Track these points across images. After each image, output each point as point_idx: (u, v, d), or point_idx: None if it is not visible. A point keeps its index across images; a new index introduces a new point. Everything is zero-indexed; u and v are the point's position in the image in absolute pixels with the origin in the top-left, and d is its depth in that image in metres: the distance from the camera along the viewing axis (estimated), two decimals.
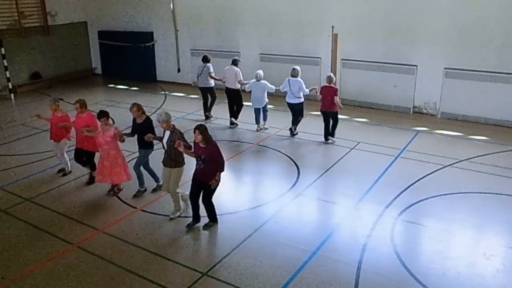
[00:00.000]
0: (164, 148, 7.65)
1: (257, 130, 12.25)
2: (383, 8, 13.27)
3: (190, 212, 7.74)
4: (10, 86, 16.53)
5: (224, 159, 7.25)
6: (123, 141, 8.41)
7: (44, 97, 16.49)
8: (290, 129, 11.79)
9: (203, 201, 7.41)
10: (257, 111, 12.15)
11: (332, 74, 11.23)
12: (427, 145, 10.94)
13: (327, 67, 14.33)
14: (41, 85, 18.04)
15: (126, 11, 18.56)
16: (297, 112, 11.55)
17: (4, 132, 12.71)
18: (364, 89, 13.95)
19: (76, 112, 9.12)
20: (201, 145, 7.00)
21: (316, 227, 7.66)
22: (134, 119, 8.55)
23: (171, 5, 17.21)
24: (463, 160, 9.99)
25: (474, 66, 12.26)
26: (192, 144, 7.37)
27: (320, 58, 14.51)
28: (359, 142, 11.15)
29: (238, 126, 12.62)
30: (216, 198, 8.68)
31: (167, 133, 7.57)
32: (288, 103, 11.58)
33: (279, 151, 10.79)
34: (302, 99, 11.46)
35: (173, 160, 7.59)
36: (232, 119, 12.66)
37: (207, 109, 13.30)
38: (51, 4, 18.22)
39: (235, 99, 12.54)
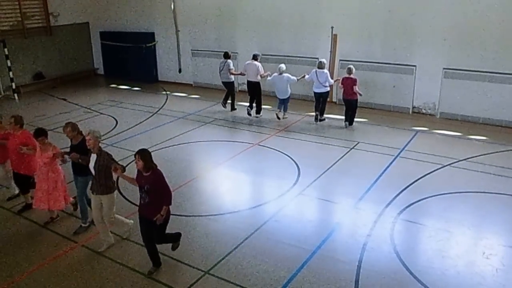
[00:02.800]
0: (91, 174, 6.80)
1: (277, 115, 13.02)
2: (382, 8, 13.32)
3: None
4: (14, 86, 16.60)
5: (171, 189, 6.27)
6: (64, 161, 7.49)
7: (48, 97, 16.59)
8: (316, 116, 12.79)
9: (157, 241, 6.43)
10: (281, 100, 13.02)
11: (352, 66, 12.15)
12: (426, 145, 10.99)
13: (327, 67, 14.39)
14: (45, 85, 18.11)
15: (128, 12, 18.62)
16: (323, 99, 12.65)
17: None
18: (363, 89, 13.94)
19: (11, 130, 7.99)
20: (144, 173, 6.02)
21: (317, 226, 7.72)
22: (71, 141, 7.48)
23: (172, 6, 17.26)
24: (462, 160, 10.05)
25: (473, 66, 12.31)
26: (123, 165, 6.75)
27: (319, 58, 14.52)
28: (358, 142, 11.22)
29: (259, 117, 13.42)
30: (217, 198, 8.78)
31: (94, 156, 6.72)
32: (315, 92, 12.61)
33: (280, 151, 10.84)
34: (328, 88, 12.62)
35: (103, 185, 6.69)
36: (250, 110, 13.44)
37: (227, 99, 14.04)
38: (53, 5, 18.29)
39: (255, 92, 13.32)
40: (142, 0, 18.08)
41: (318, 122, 12.75)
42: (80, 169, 7.26)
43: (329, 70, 14.23)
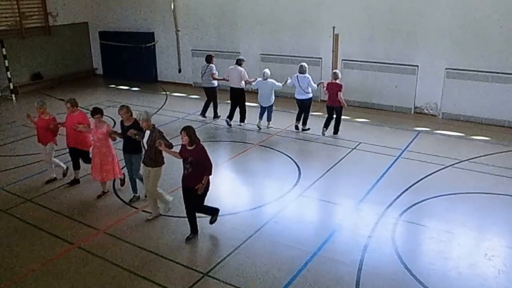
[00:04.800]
0: (144, 148, 7.67)
1: (257, 125, 12.36)
2: (384, 8, 13.26)
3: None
4: (12, 87, 16.52)
5: (212, 162, 6.96)
6: (114, 139, 8.37)
7: (46, 97, 16.49)
8: (296, 126, 12.06)
9: (194, 209, 7.12)
10: (263, 109, 12.34)
11: (337, 71, 11.59)
12: (428, 146, 10.92)
13: (328, 67, 14.32)
14: (42, 85, 18.04)
15: (127, 11, 18.57)
16: (306, 107, 11.86)
17: (5, 133, 12.71)
18: (365, 89, 13.93)
19: (67, 112, 9.05)
20: (188, 147, 6.80)
21: (317, 228, 7.66)
22: (122, 122, 8.29)
23: (172, 6, 17.21)
24: (464, 161, 9.98)
25: (475, 66, 12.24)
26: (172, 143, 7.44)
27: (321, 58, 14.50)
28: (360, 143, 11.14)
29: (243, 125, 12.76)
30: (217, 199, 8.69)
31: (147, 132, 7.56)
32: (297, 99, 11.84)
33: (280, 151, 10.78)
34: (311, 95, 11.77)
35: (153, 159, 7.54)
36: (230, 121, 12.65)
37: (206, 109, 13.34)
38: (52, 4, 18.23)
39: (239, 99, 12.57)
40: (142, 0, 18.01)
41: (301, 132, 11.98)
42: (134, 148, 8.09)
43: (332, 70, 14.17)
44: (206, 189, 6.95)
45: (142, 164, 7.95)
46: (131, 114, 8.16)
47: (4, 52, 16.11)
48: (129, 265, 6.64)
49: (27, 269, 6.62)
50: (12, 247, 7.20)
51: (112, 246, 7.12)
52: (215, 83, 13.02)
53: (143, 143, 7.67)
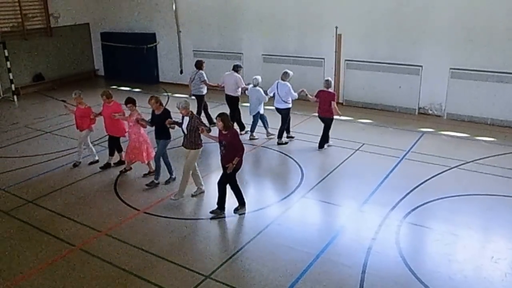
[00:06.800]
0: (184, 133, 8.34)
1: (250, 138, 11.61)
2: (387, 8, 13.18)
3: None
4: (13, 88, 16.49)
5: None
6: (144, 126, 9.14)
7: (47, 98, 16.51)
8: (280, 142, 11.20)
9: (225, 182, 7.85)
10: (253, 118, 11.52)
11: (330, 78, 10.80)
12: (432, 147, 10.83)
13: (331, 68, 14.27)
14: (44, 86, 18.04)
15: (129, 12, 18.55)
16: (283, 117, 11.05)
17: (7, 134, 12.68)
18: (369, 90, 13.86)
19: (103, 103, 9.91)
20: (223, 132, 7.57)
21: (320, 230, 7.60)
22: (153, 111, 9.05)
23: (173, 6, 17.18)
24: (469, 162, 9.88)
25: (480, 66, 12.15)
26: (210, 127, 8.56)
27: (323, 58, 14.42)
28: (363, 144, 11.05)
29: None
30: None
31: (186, 119, 8.27)
32: (276, 108, 11.12)
33: (283, 153, 10.73)
34: (290, 105, 10.96)
35: (193, 142, 8.29)
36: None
37: (207, 114, 12.75)
38: (54, 6, 18.21)
39: (233, 108, 11.92)
40: (143, 1, 17.99)
41: (285, 144, 11.16)
42: (161, 134, 8.97)
43: (335, 71, 14.12)
44: (237, 168, 7.70)
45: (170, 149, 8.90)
46: (161, 104, 9.00)
47: (6, 54, 16.09)
48: (131, 267, 6.59)
49: (28, 270, 6.58)
50: (14, 249, 7.16)
51: (113, 248, 7.08)
52: (204, 90, 12.34)
53: (182, 129, 8.39)
